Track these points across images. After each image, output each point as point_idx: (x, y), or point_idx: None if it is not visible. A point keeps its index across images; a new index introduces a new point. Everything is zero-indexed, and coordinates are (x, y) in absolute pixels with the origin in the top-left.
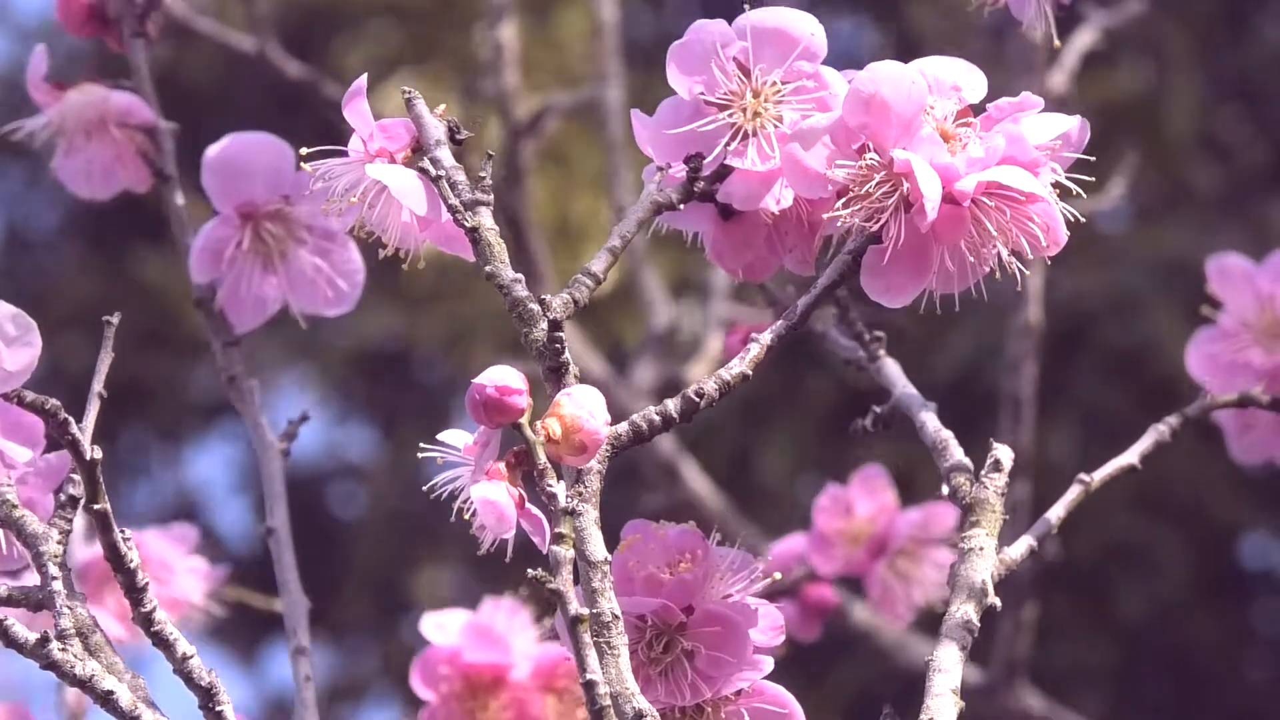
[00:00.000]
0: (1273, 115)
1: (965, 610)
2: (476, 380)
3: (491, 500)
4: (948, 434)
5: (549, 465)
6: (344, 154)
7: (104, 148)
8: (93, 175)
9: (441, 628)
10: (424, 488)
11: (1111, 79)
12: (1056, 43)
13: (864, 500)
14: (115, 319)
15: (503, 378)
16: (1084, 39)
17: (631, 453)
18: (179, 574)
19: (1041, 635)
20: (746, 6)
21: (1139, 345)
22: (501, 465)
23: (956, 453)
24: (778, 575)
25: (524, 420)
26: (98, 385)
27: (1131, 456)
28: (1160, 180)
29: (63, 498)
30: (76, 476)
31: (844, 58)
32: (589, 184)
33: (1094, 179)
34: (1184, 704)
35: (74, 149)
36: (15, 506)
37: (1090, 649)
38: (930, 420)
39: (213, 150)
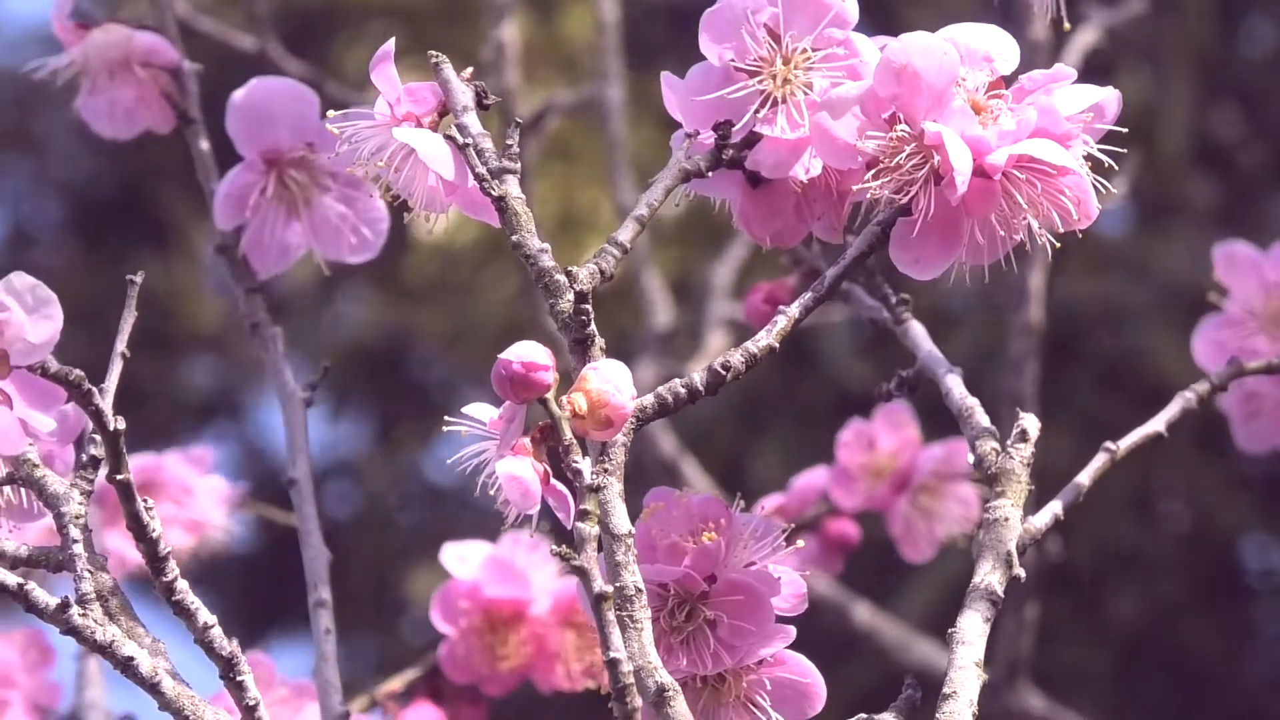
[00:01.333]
0: (1269, 121)
1: (990, 581)
2: (503, 356)
3: (517, 476)
4: (974, 401)
5: (574, 441)
6: (370, 116)
7: (127, 88)
8: (115, 115)
9: (462, 560)
10: (448, 461)
11: (1108, 84)
12: (1067, 25)
13: (887, 435)
14: (139, 277)
15: (529, 353)
16: (1085, 38)
17: (634, 452)
18: (198, 495)
19: (1040, 637)
20: None
21: (1134, 353)
22: (527, 440)
23: (982, 420)
24: (800, 543)
25: (550, 396)
26: (120, 345)
27: (1158, 424)
28: (1156, 187)
29: (84, 458)
30: (98, 437)
31: None
32: (592, 178)
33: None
34: (1183, 706)
35: (97, 88)
36: (36, 466)
37: (1089, 651)
38: (956, 386)
39: (238, 95)
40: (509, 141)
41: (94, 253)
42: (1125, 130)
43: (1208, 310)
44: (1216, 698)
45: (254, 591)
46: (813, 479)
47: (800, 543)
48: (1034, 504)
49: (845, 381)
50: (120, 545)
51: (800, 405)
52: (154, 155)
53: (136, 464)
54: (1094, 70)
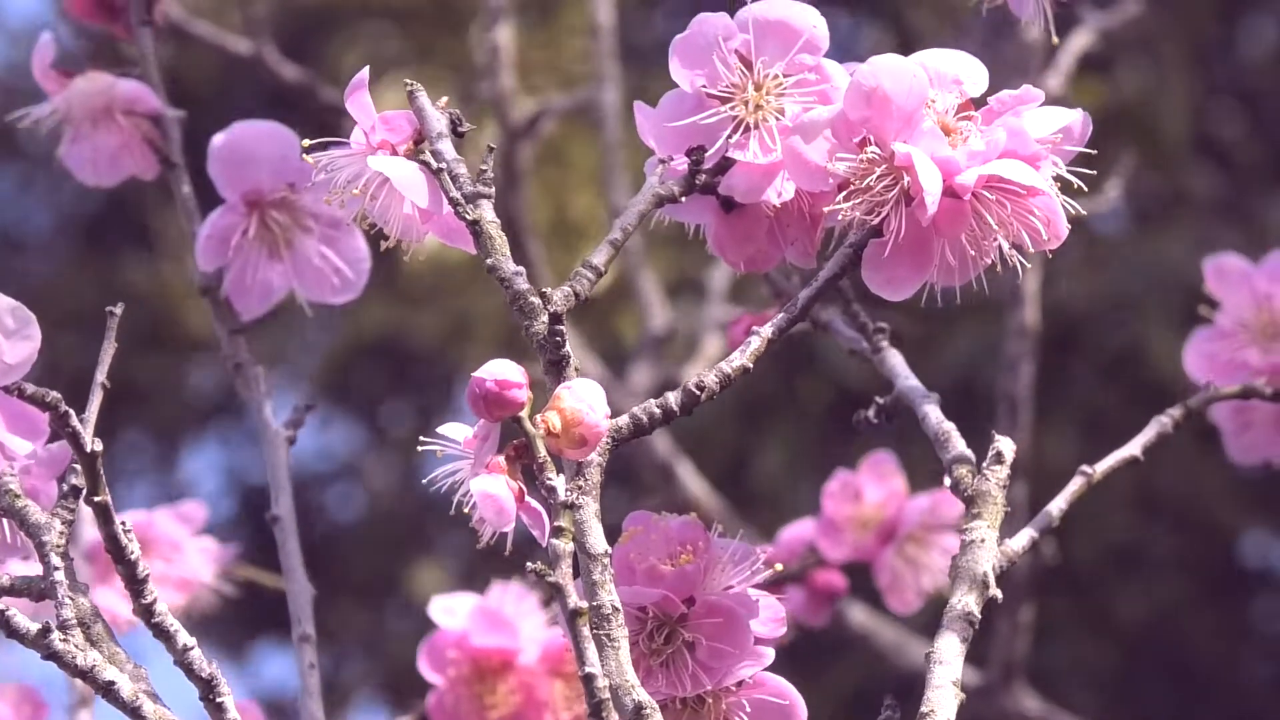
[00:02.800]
0: (1269, 117)
1: (966, 602)
2: (476, 374)
3: (491, 494)
4: (950, 426)
5: (549, 459)
6: (346, 146)
7: (110, 135)
8: (99, 162)
9: (450, 612)
10: (423, 481)
11: (1107, 82)
12: (1054, 39)
13: (873, 486)
14: (119, 309)
15: (503, 371)
16: (1080, 41)
17: (628, 455)
18: (188, 553)
19: (1039, 636)
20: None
21: (1134, 348)
22: (501, 459)
23: (959, 445)
24: (779, 566)
25: (524, 414)
26: (101, 376)
27: (1134, 448)
28: (1156, 184)
29: (65, 488)
30: (79, 467)
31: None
32: (587, 183)
33: (1090, 182)
34: (1182, 705)
35: (80, 136)
36: (18, 496)
37: (1088, 650)
38: (933, 412)
39: (219, 138)
40: (483, 166)
41: (88, 257)
42: (1125, 123)
43: (1205, 305)
44: (1215, 696)
45: (246, 599)
46: (799, 531)
47: (779, 566)
48: (1033, 500)
49: (845, 379)
50: (112, 603)
51: (799, 405)
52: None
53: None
54: (1093, 63)
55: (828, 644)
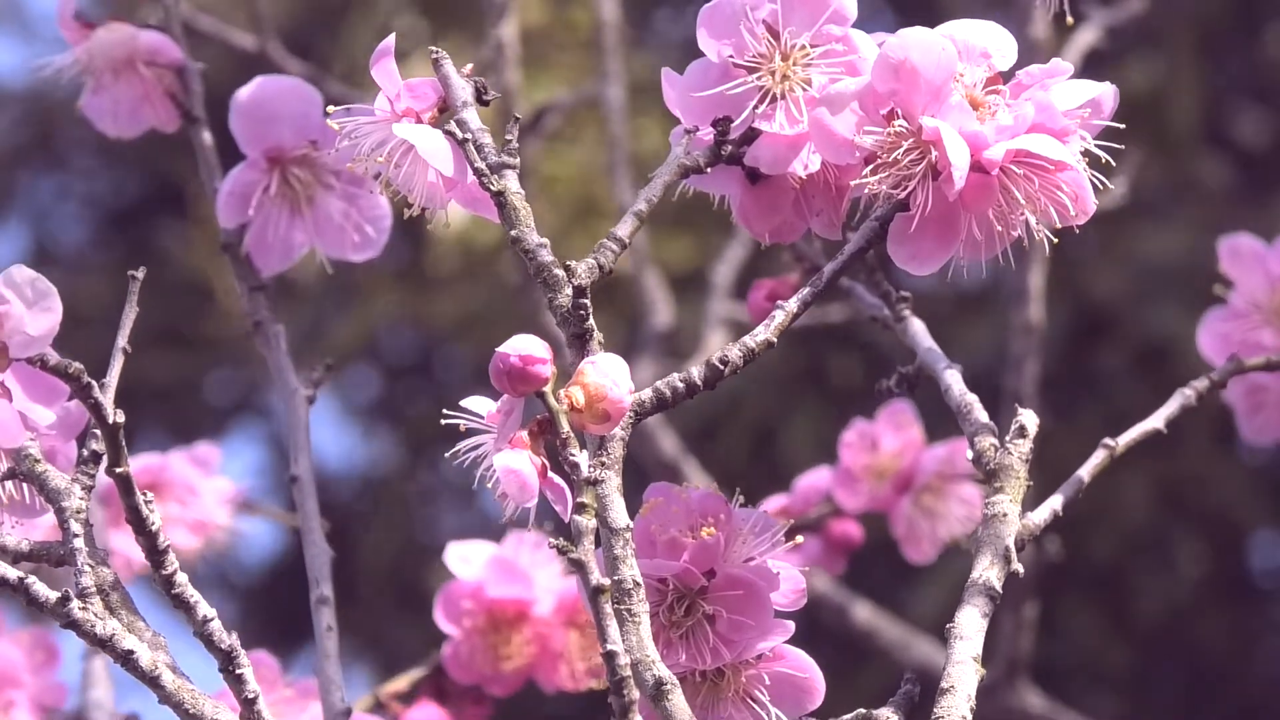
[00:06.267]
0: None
1: (988, 576)
2: (500, 349)
3: (514, 469)
4: (972, 397)
5: (572, 434)
6: (370, 112)
7: (131, 87)
8: (119, 114)
9: (466, 561)
10: (446, 455)
11: (1117, 75)
12: (1069, 19)
13: (890, 435)
14: (140, 273)
15: (527, 346)
16: (1086, 37)
17: (633, 451)
18: (203, 496)
19: (1054, 633)
20: None
21: (1149, 341)
22: (524, 434)
23: (981, 416)
24: (799, 539)
25: (547, 389)
26: (122, 340)
27: (1157, 421)
28: (1168, 176)
29: (85, 453)
30: (99, 431)
31: None
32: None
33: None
34: (1196, 702)
35: (101, 87)
36: (38, 461)
37: (1103, 647)
38: (955, 382)
39: (241, 94)
40: (508, 136)
41: (116, 255)
42: (1125, 126)
43: (1219, 285)
44: (1229, 694)
45: (280, 594)
46: (816, 479)
47: (799, 538)
48: (1041, 497)
49: (875, 354)
50: (125, 546)
51: (827, 382)
52: (176, 150)
53: (141, 464)
54: (1104, 56)
55: (830, 643)
